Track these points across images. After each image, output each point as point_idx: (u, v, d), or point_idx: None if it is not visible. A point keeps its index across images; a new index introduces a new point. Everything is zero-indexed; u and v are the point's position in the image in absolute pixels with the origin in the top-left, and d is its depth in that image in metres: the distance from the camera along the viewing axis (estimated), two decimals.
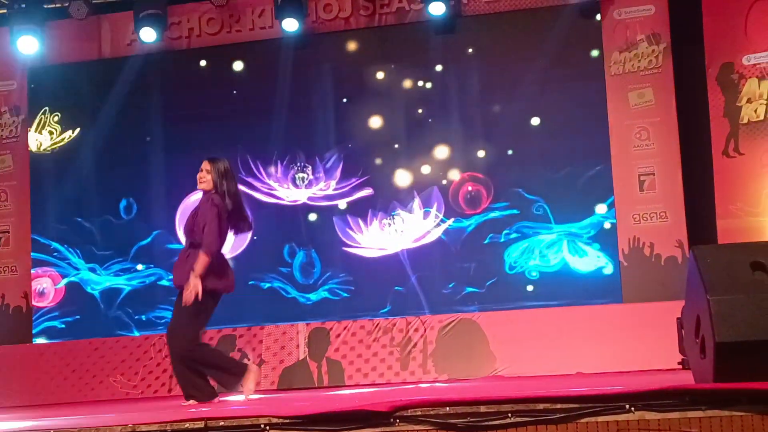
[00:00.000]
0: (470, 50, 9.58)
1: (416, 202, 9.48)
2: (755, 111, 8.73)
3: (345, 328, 9.23)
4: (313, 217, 9.70)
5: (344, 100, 9.78)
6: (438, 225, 9.41)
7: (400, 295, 9.39)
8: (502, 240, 9.28)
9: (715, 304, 4.15)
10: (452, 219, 9.40)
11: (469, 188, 9.43)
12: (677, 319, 7.04)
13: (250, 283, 9.58)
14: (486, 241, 9.31)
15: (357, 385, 8.84)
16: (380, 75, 9.73)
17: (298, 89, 9.81)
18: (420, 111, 9.65)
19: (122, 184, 10.07)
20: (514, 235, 9.26)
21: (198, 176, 6.48)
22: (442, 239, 9.41)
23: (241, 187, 9.27)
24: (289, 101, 9.78)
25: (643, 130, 9.08)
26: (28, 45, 9.96)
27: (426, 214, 9.44)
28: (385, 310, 9.36)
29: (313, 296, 9.58)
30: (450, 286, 9.32)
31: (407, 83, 9.69)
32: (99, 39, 10.17)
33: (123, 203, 10.01)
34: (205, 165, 6.46)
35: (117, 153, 10.11)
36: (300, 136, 9.79)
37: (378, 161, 9.66)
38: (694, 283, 4.40)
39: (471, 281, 9.30)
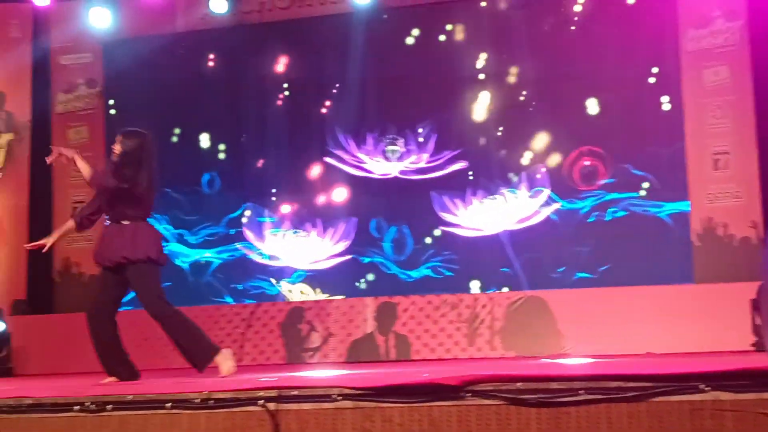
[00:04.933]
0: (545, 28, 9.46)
1: (521, 180, 9.27)
2: None
3: (412, 303, 9.24)
4: (404, 191, 9.59)
5: (437, 72, 9.63)
6: (546, 205, 9.23)
7: (506, 277, 9.28)
8: (608, 219, 9.12)
9: None
10: (559, 203, 9.18)
11: (586, 163, 9.27)
12: (751, 300, 6.96)
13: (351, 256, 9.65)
14: (590, 219, 9.16)
15: (424, 360, 8.87)
16: (474, 49, 9.56)
17: (386, 61, 9.73)
18: (518, 85, 9.48)
19: (206, 158, 10.23)
20: (620, 213, 9.10)
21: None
22: (552, 220, 9.23)
23: (329, 160, 9.53)
24: (378, 74, 9.72)
25: (718, 109, 8.93)
26: (102, 18, 10.16)
27: (533, 193, 9.25)
28: (490, 291, 9.25)
29: (414, 273, 9.54)
30: (560, 270, 9.20)
31: (499, 58, 9.52)
32: (173, 12, 10.29)
33: (206, 177, 10.14)
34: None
35: (195, 127, 10.24)
36: (391, 108, 9.68)
37: (477, 135, 9.44)
38: None
39: (583, 266, 9.15)
